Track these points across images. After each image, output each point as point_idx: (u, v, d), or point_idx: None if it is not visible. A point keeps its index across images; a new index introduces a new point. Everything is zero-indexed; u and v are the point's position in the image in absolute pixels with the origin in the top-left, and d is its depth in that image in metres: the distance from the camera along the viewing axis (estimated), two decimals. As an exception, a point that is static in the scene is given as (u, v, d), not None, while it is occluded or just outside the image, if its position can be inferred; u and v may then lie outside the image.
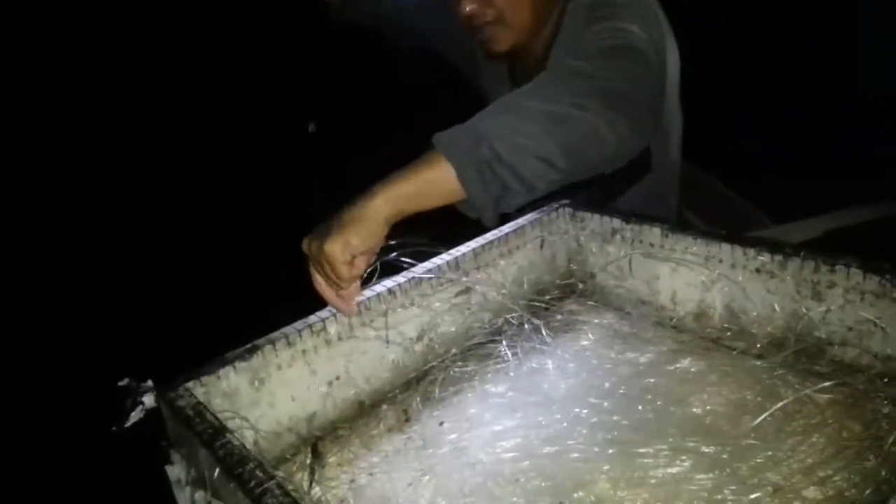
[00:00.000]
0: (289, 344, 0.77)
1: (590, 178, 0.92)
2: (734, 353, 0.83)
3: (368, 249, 0.79)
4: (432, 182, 0.80)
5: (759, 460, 0.65)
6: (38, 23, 2.61)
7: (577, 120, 0.83)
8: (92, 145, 2.66)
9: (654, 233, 0.91)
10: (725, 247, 0.83)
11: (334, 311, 0.82)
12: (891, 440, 0.63)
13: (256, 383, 0.75)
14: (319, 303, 0.83)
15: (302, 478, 0.74)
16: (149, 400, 0.70)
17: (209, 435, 0.60)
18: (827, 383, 0.72)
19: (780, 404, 0.70)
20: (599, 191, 1.01)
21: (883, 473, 0.61)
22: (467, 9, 1.07)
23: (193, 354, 0.77)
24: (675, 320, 0.92)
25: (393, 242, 0.84)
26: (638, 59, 0.92)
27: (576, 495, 0.64)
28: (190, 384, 0.69)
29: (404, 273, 0.88)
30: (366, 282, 0.85)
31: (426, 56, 1.46)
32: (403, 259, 0.88)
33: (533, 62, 1.14)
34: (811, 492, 0.60)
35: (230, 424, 0.66)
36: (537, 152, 0.81)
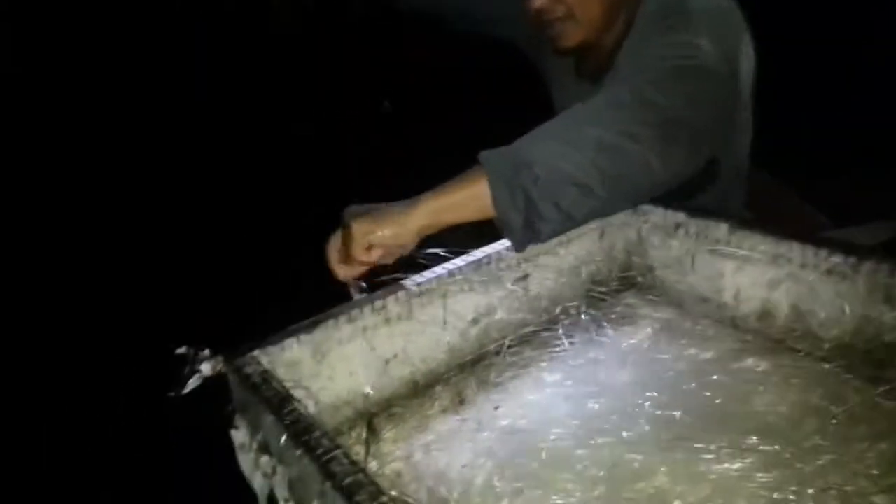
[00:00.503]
0: (350, 320, 0.79)
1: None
2: (799, 354, 0.81)
3: (389, 247, 0.84)
4: (470, 197, 0.83)
5: (822, 463, 0.64)
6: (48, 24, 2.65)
7: (626, 150, 0.82)
8: (139, 137, 2.72)
9: (720, 229, 0.89)
10: (796, 246, 0.81)
11: (395, 291, 0.83)
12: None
13: (318, 356, 0.77)
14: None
15: (358, 451, 0.75)
16: (206, 368, 0.72)
17: (277, 402, 0.62)
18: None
19: (846, 408, 0.69)
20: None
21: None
22: (537, 4, 1.05)
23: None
24: (737, 319, 0.90)
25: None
26: (705, 81, 0.90)
27: (634, 487, 0.64)
28: (256, 353, 0.71)
29: (464, 256, 0.89)
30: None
31: (486, 41, 1.45)
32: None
33: (602, 58, 1.12)
34: (880, 498, 0.59)
35: (294, 394, 0.67)
36: (578, 180, 0.81)
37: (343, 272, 0.88)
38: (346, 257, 0.86)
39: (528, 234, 0.83)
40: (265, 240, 2.42)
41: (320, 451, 0.55)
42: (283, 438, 0.59)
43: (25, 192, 2.55)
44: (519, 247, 0.86)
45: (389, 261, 0.87)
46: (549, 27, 1.07)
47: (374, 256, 0.85)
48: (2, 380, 1.87)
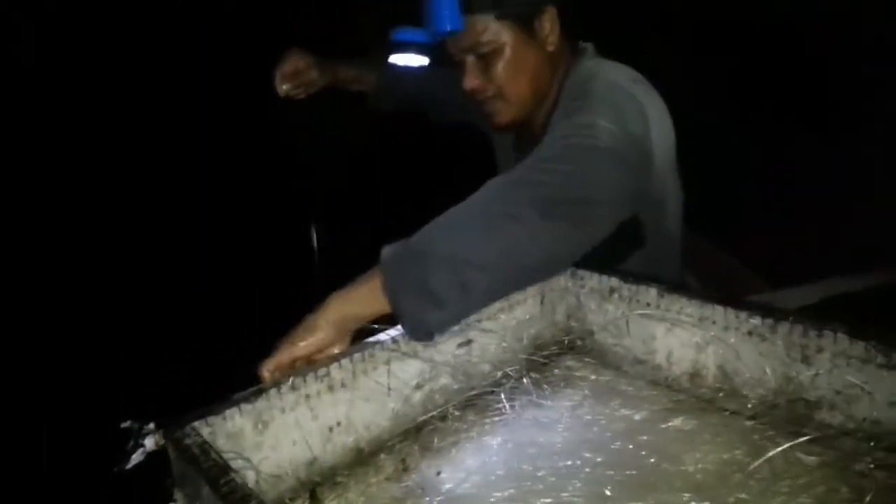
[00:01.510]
0: (293, 388, 0.80)
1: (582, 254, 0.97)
2: (726, 413, 0.85)
3: (315, 351, 0.87)
4: (372, 293, 0.87)
5: (747, 518, 0.66)
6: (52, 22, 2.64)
7: (511, 230, 0.87)
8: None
9: (650, 293, 0.94)
10: (718, 309, 0.86)
11: (338, 359, 0.84)
12: (867, 499, 0.65)
13: (260, 426, 0.77)
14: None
15: (300, 521, 0.75)
16: (150, 442, 0.72)
17: (214, 473, 0.62)
18: (809, 442, 0.75)
19: (764, 459, 0.72)
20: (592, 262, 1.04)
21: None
22: (468, 86, 1.16)
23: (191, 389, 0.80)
24: (669, 380, 0.94)
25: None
26: (598, 158, 0.96)
27: (568, 547, 0.66)
28: (196, 424, 0.71)
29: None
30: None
31: (457, 124, 1.57)
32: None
33: (535, 134, 1.20)
34: (797, 550, 0.62)
35: (233, 465, 0.68)
36: (472, 260, 0.85)
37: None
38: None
39: (423, 324, 0.86)
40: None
41: (256, 521, 0.56)
42: (220, 510, 0.59)
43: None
44: (412, 336, 0.88)
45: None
46: (483, 106, 1.16)
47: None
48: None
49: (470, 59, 1.15)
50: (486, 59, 1.14)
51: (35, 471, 1.77)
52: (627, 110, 1.04)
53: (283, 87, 1.40)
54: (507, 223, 0.87)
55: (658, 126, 1.10)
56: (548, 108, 1.19)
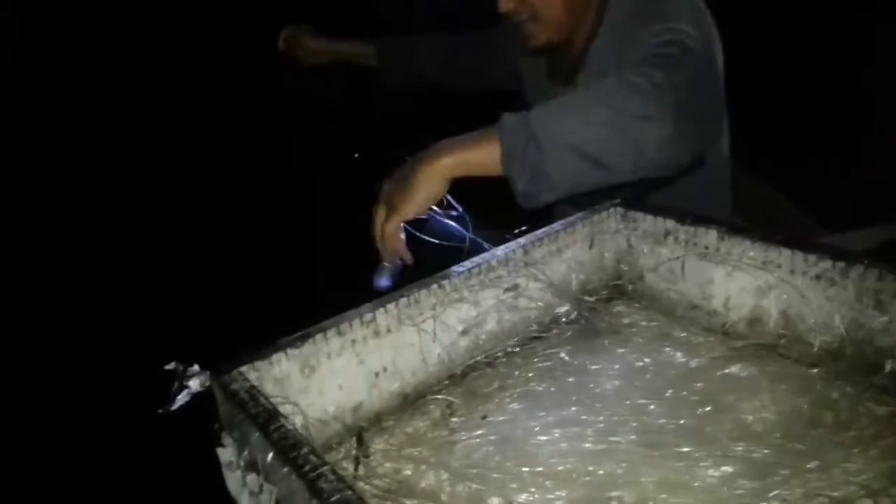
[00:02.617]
0: (339, 333, 0.79)
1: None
2: (788, 360, 0.81)
3: (425, 209, 0.94)
4: (489, 156, 0.90)
5: (809, 469, 0.63)
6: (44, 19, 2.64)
7: (639, 129, 0.89)
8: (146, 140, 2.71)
9: (709, 235, 0.89)
10: (785, 252, 0.81)
11: (384, 304, 0.82)
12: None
13: (307, 370, 0.76)
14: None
15: (347, 466, 0.75)
16: (195, 384, 0.73)
17: (263, 418, 0.62)
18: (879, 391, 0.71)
19: (834, 413, 0.69)
20: (645, 184, 1.01)
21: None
22: (503, 8, 1.15)
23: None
24: (727, 326, 0.90)
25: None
26: (699, 65, 0.96)
27: (618, 493, 0.64)
28: (244, 368, 0.71)
29: (453, 267, 0.89)
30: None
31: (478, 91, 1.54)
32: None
33: (573, 59, 1.18)
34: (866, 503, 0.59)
35: (281, 410, 0.67)
36: (594, 155, 0.88)
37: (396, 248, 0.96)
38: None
39: (531, 199, 0.92)
40: (262, 246, 2.42)
41: (307, 468, 0.55)
42: (270, 456, 0.59)
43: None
44: (523, 203, 0.93)
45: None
46: (518, 29, 1.14)
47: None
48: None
49: None
50: None
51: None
52: (700, 16, 1.05)
53: (282, 44, 1.59)
54: (638, 123, 0.89)
55: (715, 34, 1.09)
56: (586, 30, 1.17)
